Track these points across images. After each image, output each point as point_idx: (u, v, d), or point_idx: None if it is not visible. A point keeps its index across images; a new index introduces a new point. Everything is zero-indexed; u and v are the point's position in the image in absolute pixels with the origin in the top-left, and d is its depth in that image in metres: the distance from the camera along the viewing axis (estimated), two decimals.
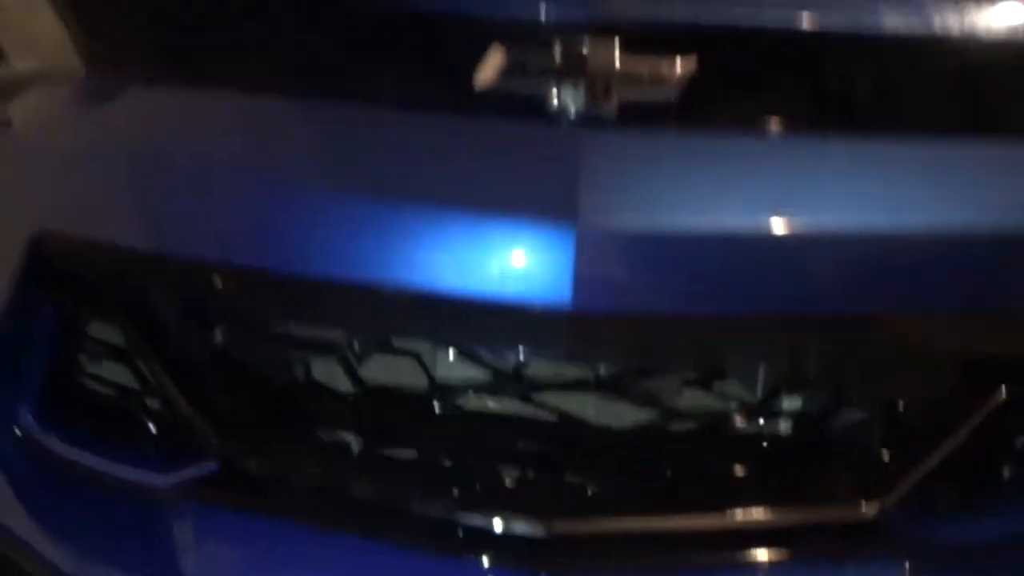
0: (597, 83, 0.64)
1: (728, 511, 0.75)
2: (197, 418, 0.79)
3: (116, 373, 0.86)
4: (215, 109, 0.73)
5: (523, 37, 0.65)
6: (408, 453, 0.82)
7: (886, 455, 0.78)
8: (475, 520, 0.75)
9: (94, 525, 0.81)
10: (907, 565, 0.73)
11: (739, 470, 0.79)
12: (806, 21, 0.65)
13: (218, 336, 0.83)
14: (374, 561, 0.75)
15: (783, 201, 0.66)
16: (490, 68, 0.65)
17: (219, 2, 0.74)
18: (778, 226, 0.65)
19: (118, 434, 0.84)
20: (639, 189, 0.65)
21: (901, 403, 0.78)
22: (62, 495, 0.83)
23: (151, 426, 0.84)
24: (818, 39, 0.66)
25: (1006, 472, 0.78)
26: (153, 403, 0.84)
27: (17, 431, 0.82)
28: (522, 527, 0.75)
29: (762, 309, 0.68)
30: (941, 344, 0.74)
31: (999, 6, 0.67)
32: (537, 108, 0.66)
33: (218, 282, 0.73)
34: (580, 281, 0.64)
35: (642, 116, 0.66)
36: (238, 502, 0.79)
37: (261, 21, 0.73)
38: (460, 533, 0.75)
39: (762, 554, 0.74)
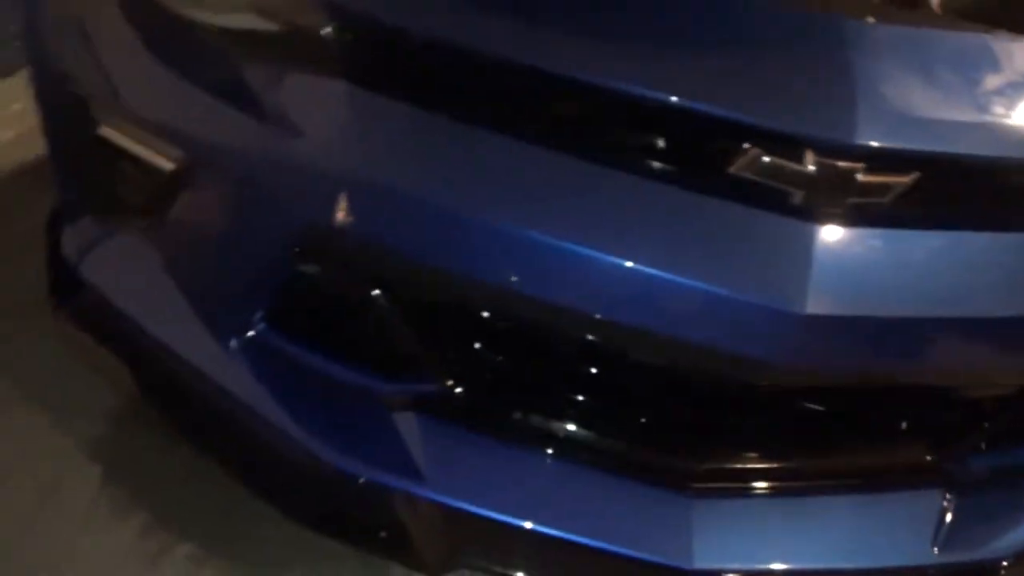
0: (837, 188, 0.82)
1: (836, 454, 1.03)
2: (426, 351, 1.00)
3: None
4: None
5: (778, 142, 0.82)
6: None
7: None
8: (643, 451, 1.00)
9: (325, 412, 1.03)
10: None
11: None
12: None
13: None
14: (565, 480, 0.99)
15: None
16: (748, 161, 0.82)
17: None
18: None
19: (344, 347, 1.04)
20: (860, 281, 0.85)
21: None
22: (297, 386, 1.04)
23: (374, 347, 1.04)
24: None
25: None
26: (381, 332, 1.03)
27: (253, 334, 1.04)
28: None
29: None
30: None
31: None
32: (780, 202, 0.83)
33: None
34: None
35: (868, 220, 0.85)
36: (453, 419, 1.01)
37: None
38: (631, 461, 0.98)
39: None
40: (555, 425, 1.01)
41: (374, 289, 0.98)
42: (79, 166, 1.16)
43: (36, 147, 1.66)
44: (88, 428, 1.35)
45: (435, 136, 0.88)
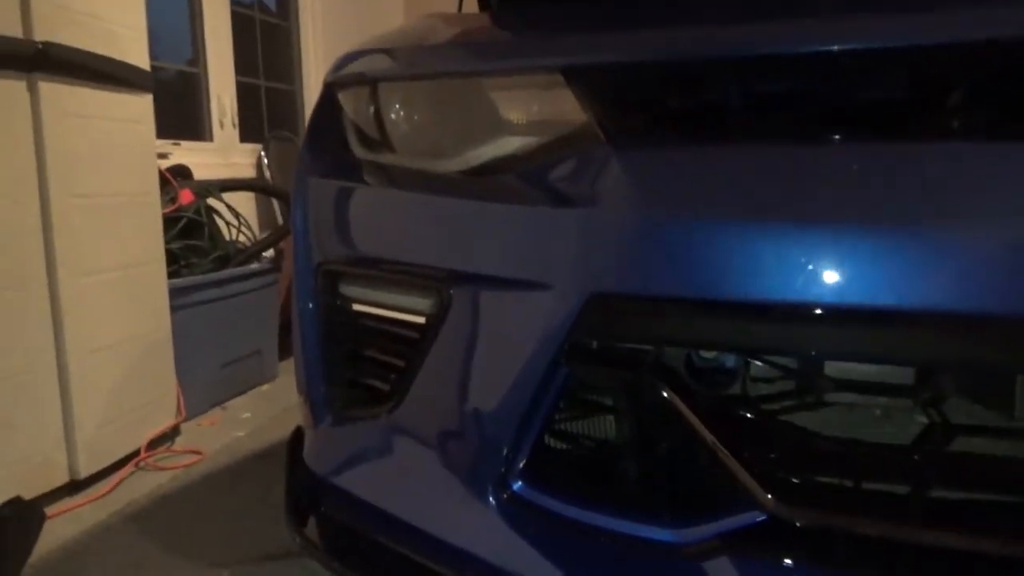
0: None
1: None
2: (741, 472, 0.80)
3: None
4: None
5: None
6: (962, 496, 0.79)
7: None
8: None
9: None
10: None
11: None
12: None
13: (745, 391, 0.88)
14: None
15: None
16: None
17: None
18: None
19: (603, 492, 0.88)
20: None
21: None
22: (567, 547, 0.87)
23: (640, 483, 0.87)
24: None
25: None
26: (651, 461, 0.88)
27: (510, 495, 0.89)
28: None
29: None
30: None
31: None
32: None
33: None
34: None
35: None
36: (787, 554, 0.78)
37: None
38: None
39: None
40: (928, 536, 0.76)
41: (662, 389, 0.83)
42: (332, 356, 1.13)
43: (261, 440, 2.26)
44: None
45: (717, 165, 0.79)
